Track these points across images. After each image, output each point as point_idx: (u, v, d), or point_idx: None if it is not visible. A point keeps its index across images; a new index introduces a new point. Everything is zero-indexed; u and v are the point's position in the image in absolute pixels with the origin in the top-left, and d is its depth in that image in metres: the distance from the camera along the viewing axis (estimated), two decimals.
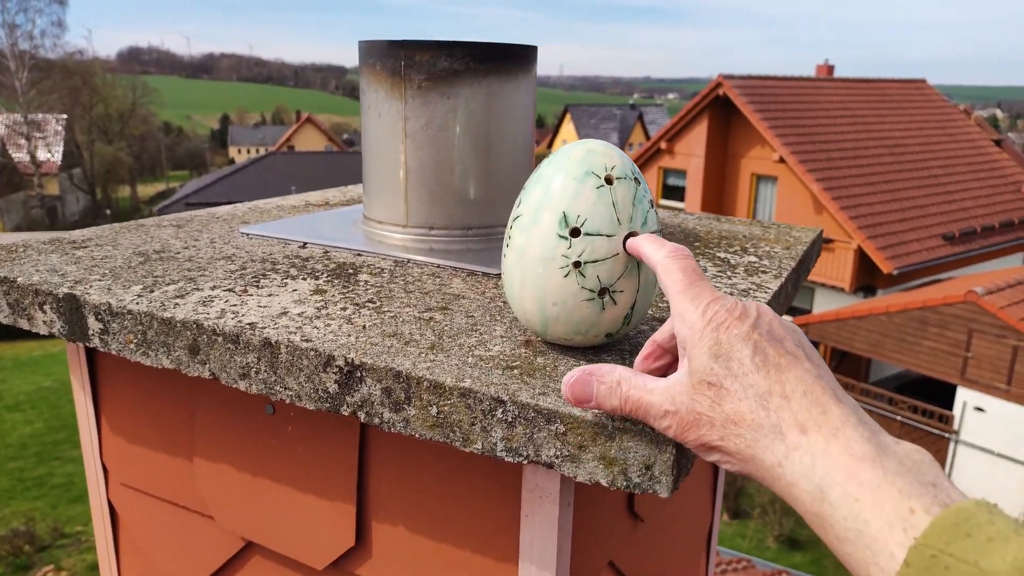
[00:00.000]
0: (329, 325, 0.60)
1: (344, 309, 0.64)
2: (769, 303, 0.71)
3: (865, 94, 18.25)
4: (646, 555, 0.83)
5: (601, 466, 0.47)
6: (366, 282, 0.71)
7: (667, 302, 0.69)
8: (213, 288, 0.68)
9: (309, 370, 0.56)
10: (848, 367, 13.91)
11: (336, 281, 0.72)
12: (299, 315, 0.62)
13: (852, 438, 0.37)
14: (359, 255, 0.81)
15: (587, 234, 0.50)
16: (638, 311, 0.53)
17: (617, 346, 0.58)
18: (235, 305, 0.64)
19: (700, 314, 0.43)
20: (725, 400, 0.41)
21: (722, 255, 0.87)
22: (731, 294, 0.71)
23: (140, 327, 0.63)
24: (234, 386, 0.60)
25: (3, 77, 28.71)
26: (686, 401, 0.42)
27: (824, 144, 15.78)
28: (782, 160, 15.51)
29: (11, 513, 9.49)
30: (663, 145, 18.18)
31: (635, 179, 0.52)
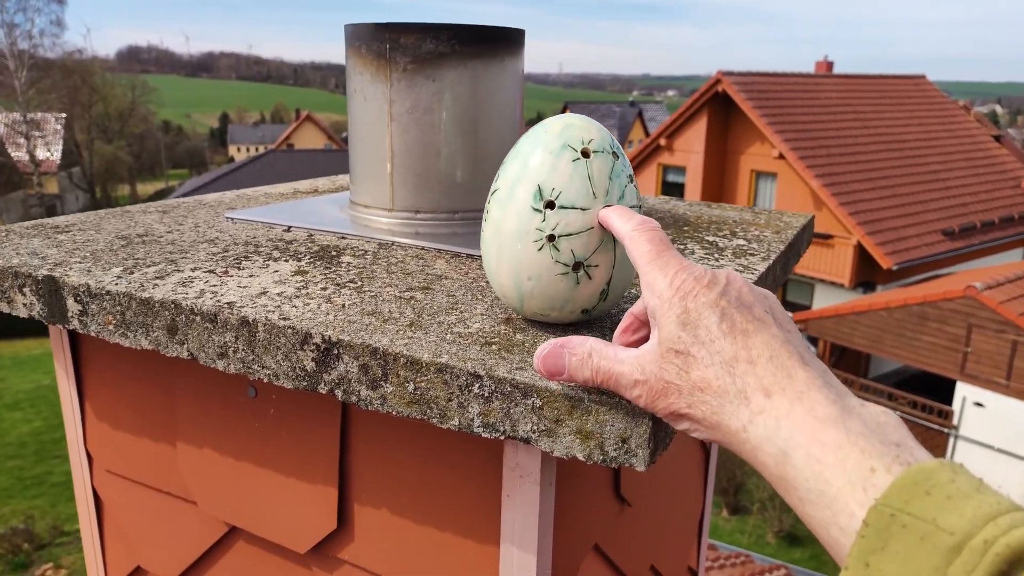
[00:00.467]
0: (308, 304, 0.59)
1: (324, 289, 0.63)
2: (756, 283, 0.71)
3: (864, 90, 18.23)
4: (633, 540, 0.83)
5: (578, 440, 0.47)
6: (348, 263, 0.71)
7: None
8: (194, 270, 0.68)
9: (286, 348, 0.55)
10: (848, 363, 13.91)
11: (318, 263, 0.71)
12: (278, 295, 0.61)
13: (817, 400, 0.37)
14: (343, 238, 0.81)
15: (561, 207, 0.49)
16: (615, 287, 0.53)
17: (597, 323, 0.57)
18: (215, 286, 0.63)
19: (668, 283, 0.43)
20: (692, 367, 0.41)
21: (711, 239, 0.87)
22: None
23: (119, 308, 0.63)
24: (212, 366, 0.59)
25: (2, 76, 28.68)
26: (655, 370, 0.42)
27: (823, 140, 15.76)
28: (781, 156, 15.50)
29: (10, 511, 9.49)
30: (662, 142, 18.17)
31: (613, 153, 0.51)
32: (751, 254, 0.81)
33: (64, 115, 32.40)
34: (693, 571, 1.11)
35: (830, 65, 20.54)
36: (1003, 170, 17.85)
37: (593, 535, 0.71)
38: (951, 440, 11.70)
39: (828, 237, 14.71)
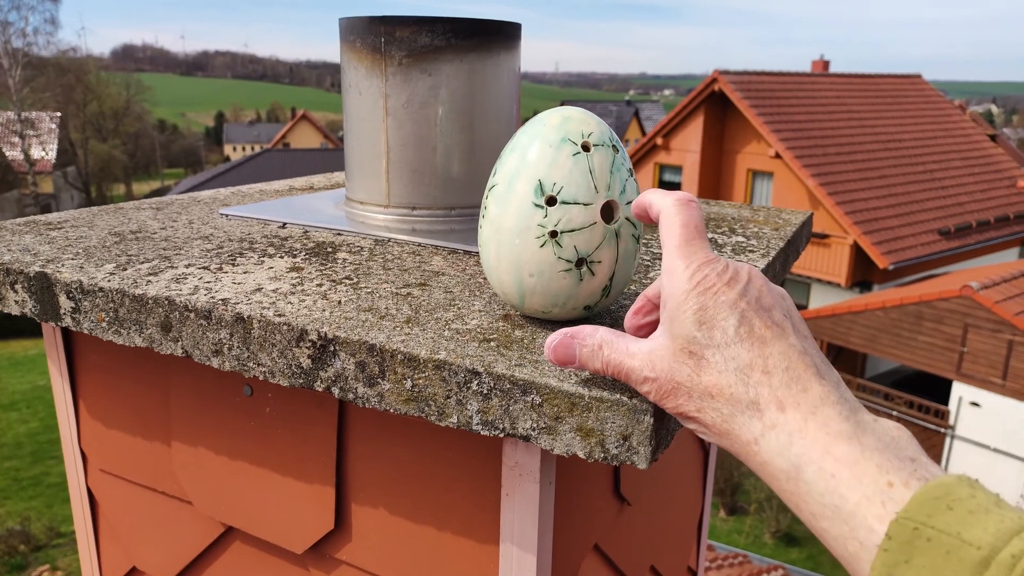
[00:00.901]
0: (304, 300, 0.58)
1: (320, 285, 0.62)
2: None
3: (861, 90, 18.26)
4: (633, 540, 0.82)
5: (578, 437, 0.46)
6: (344, 260, 0.70)
7: (650, 278, 0.68)
8: (188, 266, 0.67)
9: (282, 345, 0.54)
10: (844, 362, 13.93)
11: (314, 259, 0.70)
12: (273, 291, 0.61)
13: (830, 416, 0.37)
14: (339, 235, 0.80)
15: (563, 202, 0.49)
16: (617, 283, 0.52)
17: (597, 319, 0.56)
18: (209, 282, 0.62)
19: (689, 275, 0.42)
20: (704, 371, 0.40)
21: (709, 235, 0.86)
22: None
23: (112, 305, 0.62)
24: (207, 363, 0.58)
25: None
26: (666, 368, 0.41)
27: (820, 140, 15.78)
28: (778, 156, 15.51)
29: (6, 513, 9.46)
30: (659, 141, 18.17)
31: (613, 146, 0.50)
32: (750, 251, 0.80)
33: (59, 114, 32.30)
34: (693, 571, 1.11)
35: (826, 64, 20.57)
36: (998, 169, 17.89)
37: (593, 534, 0.70)
38: (947, 440, 11.72)
39: (824, 236, 14.73)
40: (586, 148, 0.49)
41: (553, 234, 0.49)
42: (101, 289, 0.62)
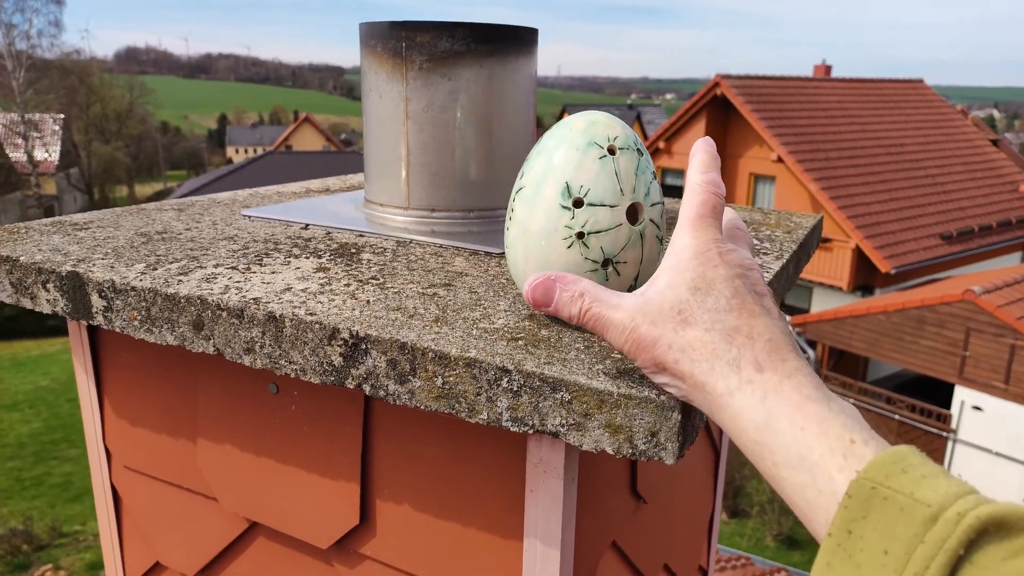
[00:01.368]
0: (333, 300, 0.60)
1: (348, 285, 0.64)
2: (771, 283, 0.72)
3: (863, 94, 18.28)
4: (648, 537, 0.83)
5: (607, 434, 0.47)
6: (369, 260, 0.72)
7: None
8: (216, 266, 0.68)
9: (314, 343, 0.56)
10: (846, 366, 13.93)
11: (339, 260, 0.72)
12: (303, 290, 0.62)
13: (803, 383, 0.40)
14: (361, 236, 0.81)
15: (590, 204, 0.50)
16: (642, 283, 0.54)
17: None
18: (239, 281, 0.64)
19: (694, 249, 0.45)
20: (690, 328, 0.43)
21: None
22: None
23: (144, 303, 0.63)
24: (238, 361, 0.60)
25: (0, 77, 28.66)
26: (649, 323, 0.44)
27: (822, 144, 15.79)
28: (780, 160, 15.52)
29: (9, 512, 9.47)
30: (661, 145, 18.20)
31: (638, 150, 0.52)
32: (764, 253, 0.81)
33: (62, 116, 32.36)
34: (703, 570, 1.12)
35: (828, 69, 20.59)
36: (1001, 174, 17.90)
37: (611, 532, 0.72)
38: (949, 444, 11.72)
39: (826, 240, 14.73)
40: (612, 151, 0.51)
41: (580, 235, 0.50)
42: (133, 288, 0.63)
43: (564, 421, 0.48)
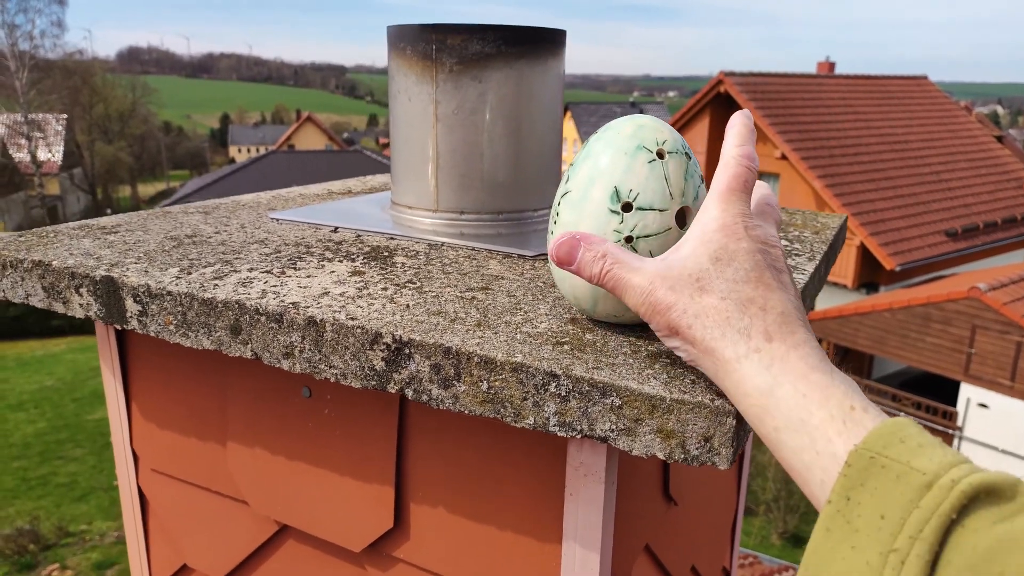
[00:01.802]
0: (372, 304, 0.60)
1: (385, 289, 0.64)
2: (806, 284, 0.71)
3: (866, 91, 18.23)
4: (678, 540, 0.83)
5: (658, 439, 0.47)
6: (403, 264, 0.71)
7: None
8: (250, 270, 0.68)
9: (355, 348, 0.56)
10: (851, 364, 13.91)
11: (373, 263, 0.71)
12: (340, 295, 0.62)
13: (809, 354, 0.42)
14: (392, 239, 0.81)
15: (639, 208, 0.50)
16: None
17: None
18: (275, 286, 0.64)
19: (720, 222, 0.46)
20: (706, 295, 0.44)
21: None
22: None
23: (180, 308, 0.63)
24: (277, 366, 0.60)
25: (3, 77, 28.68)
26: (668, 288, 0.45)
27: (826, 141, 15.76)
28: (784, 157, 15.49)
29: (15, 512, 9.49)
30: None
31: (686, 154, 0.52)
32: (796, 254, 0.81)
33: (65, 116, 32.41)
34: (727, 571, 1.12)
35: (832, 66, 20.54)
36: (1005, 171, 17.85)
37: (645, 535, 0.71)
38: (956, 441, 11.70)
39: None
40: (661, 155, 0.50)
41: (629, 239, 0.50)
42: (169, 293, 0.63)
43: (614, 426, 0.48)
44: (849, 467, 0.36)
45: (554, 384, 0.49)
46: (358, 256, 0.74)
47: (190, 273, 0.67)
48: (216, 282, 0.65)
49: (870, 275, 14.85)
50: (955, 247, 14.92)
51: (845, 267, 14.78)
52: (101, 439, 11.34)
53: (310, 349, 0.58)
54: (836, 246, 0.95)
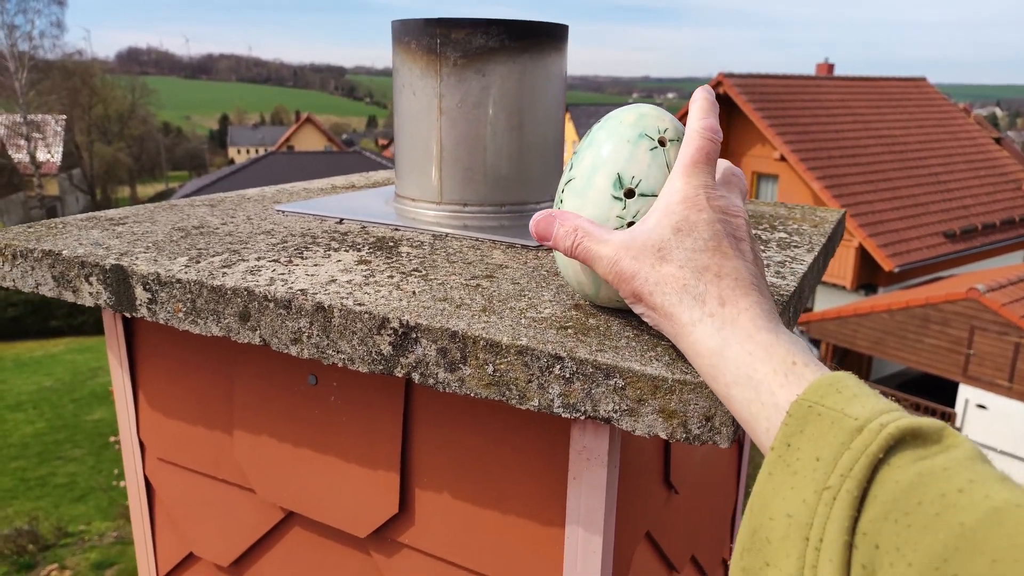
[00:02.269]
0: (379, 291, 0.61)
1: (391, 277, 0.65)
2: (804, 275, 0.72)
3: (865, 92, 18.27)
4: (679, 528, 0.84)
5: (660, 419, 0.48)
6: (408, 253, 0.72)
7: None
8: (258, 259, 0.69)
9: (363, 333, 0.57)
10: (850, 365, 13.92)
11: (379, 253, 0.72)
12: (347, 282, 0.63)
13: (758, 315, 0.45)
14: (397, 230, 0.82)
15: (642, 195, 0.51)
16: None
17: None
18: (283, 274, 0.65)
19: (683, 194, 0.48)
20: (666, 264, 0.47)
21: (752, 231, 0.88)
22: (767, 267, 0.72)
23: (189, 296, 0.64)
24: (285, 351, 0.61)
25: (2, 78, 28.67)
26: (632, 257, 0.48)
27: (825, 142, 15.79)
28: (783, 158, 15.52)
29: (14, 512, 9.49)
30: None
31: None
32: (795, 246, 0.82)
33: (64, 117, 32.40)
34: (726, 563, 1.13)
35: (831, 67, 20.58)
36: (1004, 172, 17.88)
37: (646, 521, 0.72)
38: None
39: None
40: (663, 143, 0.52)
41: (631, 225, 0.51)
42: (178, 281, 0.64)
43: (617, 407, 0.49)
44: (790, 416, 0.39)
45: (558, 366, 0.50)
46: (364, 246, 0.75)
47: (199, 262, 0.68)
48: (225, 270, 0.66)
49: (869, 276, 14.87)
50: (953, 248, 14.94)
51: (844, 268, 14.80)
52: (100, 439, 11.33)
53: (318, 334, 0.59)
54: (835, 239, 0.96)
